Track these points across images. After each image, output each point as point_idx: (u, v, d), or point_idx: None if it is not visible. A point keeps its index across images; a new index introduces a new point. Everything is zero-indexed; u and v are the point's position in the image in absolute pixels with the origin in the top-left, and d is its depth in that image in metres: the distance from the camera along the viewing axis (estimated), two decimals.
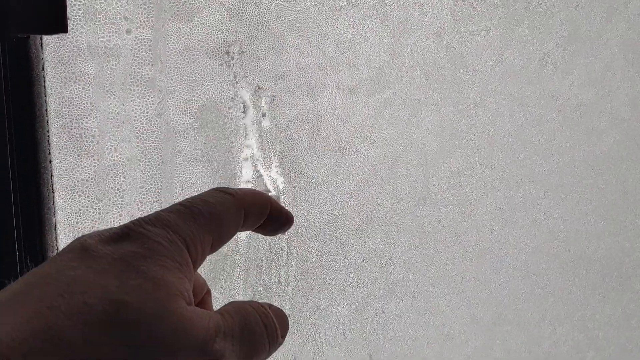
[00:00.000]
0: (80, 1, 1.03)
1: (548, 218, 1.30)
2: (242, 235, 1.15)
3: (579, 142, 1.29)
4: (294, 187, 1.16)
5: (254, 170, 1.14)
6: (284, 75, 1.13)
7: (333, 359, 1.22)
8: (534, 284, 1.31)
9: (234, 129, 1.12)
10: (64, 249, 0.43)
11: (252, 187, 1.13)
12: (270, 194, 1.15)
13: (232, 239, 1.12)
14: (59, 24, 1.01)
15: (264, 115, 1.13)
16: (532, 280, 1.31)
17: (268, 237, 1.15)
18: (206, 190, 0.50)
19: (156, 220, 0.45)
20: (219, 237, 0.49)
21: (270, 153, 1.14)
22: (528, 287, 1.31)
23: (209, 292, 0.57)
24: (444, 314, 1.27)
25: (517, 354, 1.32)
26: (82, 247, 0.42)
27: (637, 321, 1.40)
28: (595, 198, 1.32)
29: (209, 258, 1.10)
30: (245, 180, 1.14)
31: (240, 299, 1.16)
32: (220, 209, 0.48)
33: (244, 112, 1.12)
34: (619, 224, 1.35)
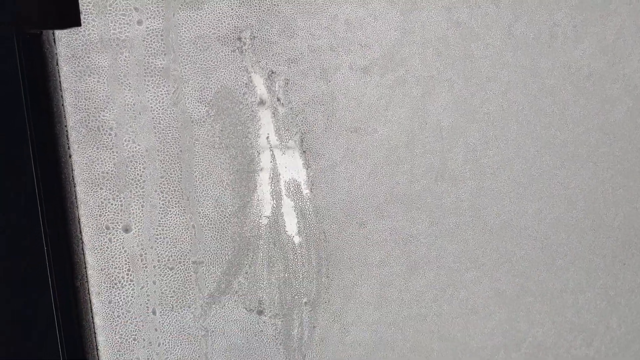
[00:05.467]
0: None
1: (566, 188, 1.30)
2: (264, 221, 1.16)
3: (593, 111, 1.29)
4: (312, 170, 1.17)
5: (271, 155, 1.14)
6: (296, 59, 1.13)
7: (359, 338, 1.23)
8: (555, 254, 1.31)
9: (250, 114, 1.13)
10: None
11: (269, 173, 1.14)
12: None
13: (254, 224, 1.13)
14: (72, 18, 1.01)
15: (278, 99, 1.13)
16: (553, 251, 1.31)
17: (290, 222, 1.16)
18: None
19: None
20: None
21: (286, 137, 1.15)
22: (549, 258, 1.31)
23: None
24: (467, 289, 1.27)
25: (541, 324, 1.33)
26: None
27: None
28: (611, 166, 1.32)
29: (230, 244, 1.11)
30: (263, 165, 1.14)
31: (265, 283, 1.17)
32: None
33: (259, 97, 1.13)
34: (637, 190, 1.35)
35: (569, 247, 1.32)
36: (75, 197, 1.08)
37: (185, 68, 1.09)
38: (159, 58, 1.07)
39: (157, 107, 1.08)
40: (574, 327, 1.35)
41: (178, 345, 1.15)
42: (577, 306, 1.35)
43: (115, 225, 1.10)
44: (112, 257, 1.10)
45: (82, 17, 1.03)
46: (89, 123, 1.07)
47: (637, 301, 1.39)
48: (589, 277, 1.35)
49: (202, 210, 1.13)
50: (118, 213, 1.10)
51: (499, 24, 1.21)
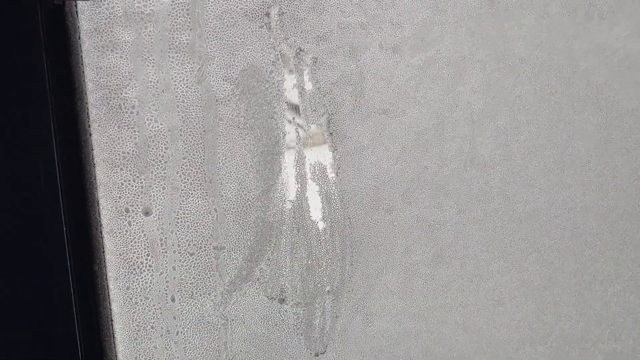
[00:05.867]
0: None
1: (597, 176, 1.26)
2: (288, 205, 1.11)
3: (628, 96, 1.25)
4: (339, 153, 1.12)
5: (297, 137, 1.10)
6: (325, 36, 1.09)
7: (383, 329, 1.19)
8: (584, 244, 1.28)
9: (276, 94, 1.08)
10: None
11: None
12: None
13: (278, 209, 1.09)
14: None
15: (307, 78, 1.09)
16: (582, 241, 1.27)
17: (314, 207, 1.12)
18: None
19: None
20: None
21: (313, 118, 1.11)
22: (578, 248, 1.27)
23: None
24: (493, 279, 1.23)
25: (569, 317, 1.29)
26: None
27: None
28: None
29: (253, 229, 1.07)
30: (288, 146, 1.10)
31: (288, 270, 1.13)
32: None
33: (286, 76, 1.09)
34: None
35: (599, 236, 1.28)
36: (95, 178, 1.04)
37: (211, 44, 1.05)
38: (184, 33, 1.03)
39: (180, 85, 1.04)
40: (602, 320, 1.31)
41: (197, 334, 1.11)
42: (605, 298, 1.31)
43: (135, 208, 1.06)
44: (131, 241, 1.06)
45: None
46: (110, 101, 1.02)
47: None
48: (618, 268, 1.31)
49: (224, 193, 1.08)
50: (138, 195, 1.05)
51: (534, 3, 1.17)
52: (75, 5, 0.99)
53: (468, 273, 1.22)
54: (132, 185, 1.05)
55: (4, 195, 0.99)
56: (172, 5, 1.02)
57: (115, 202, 1.05)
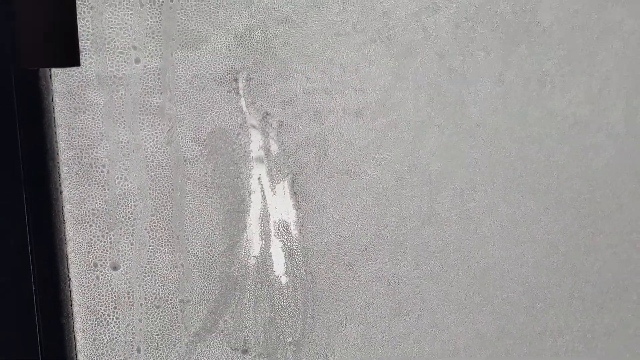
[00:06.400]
0: (88, 31, 1.03)
1: (548, 233, 1.33)
2: (252, 261, 1.16)
3: (577, 158, 1.32)
4: (302, 211, 1.17)
5: (262, 196, 1.15)
6: (291, 101, 1.14)
7: None
8: (535, 297, 1.34)
9: (243, 155, 1.13)
10: None
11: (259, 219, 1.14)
12: None
13: (242, 264, 1.13)
14: (70, 57, 1.01)
15: (272, 140, 1.14)
16: (534, 294, 1.34)
17: (278, 262, 1.16)
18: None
19: None
20: None
21: (278, 178, 1.15)
22: (529, 301, 1.33)
23: None
24: (449, 330, 1.29)
25: None
26: None
27: (635, 330, 1.44)
28: (592, 212, 1.36)
29: (218, 283, 1.11)
30: (254, 206, 1.15)
31: (251, 323, 1.17)
32: None
33: (252, 138, 1.13)
34: (616, 236, 1.39)
35: (549, 290, 1.35)
36: (65, 233, 1.07)
37: (181, 107, 1.09)
38: (154, 96, 1.07)
39: (150, 145, 1.08)
40: None
41: None
42: (555, 348, 1.37)
43: (104, 263, 1.09)
44: (99, 295, 1.09)
45: (81, 56, 1.02)
46: (81, 159, 1.06)
47: (614, 345, 1.42)
48: (567, 320, 1.37)
49: (191, 249, 1.12)
50: (107, 250, 1.09)
51: (490, 72, 1.24)
52: (49, 70, 1.03)
53: (425, 325, 1.27)
54: (101, 241, 1.08)
55: None
56: (143, 70, 1.06)
57: (85, 257, 1.08)
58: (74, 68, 1.03)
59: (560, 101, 1.29)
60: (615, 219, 1.38)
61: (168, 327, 1.13)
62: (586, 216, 1.35)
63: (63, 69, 1.03)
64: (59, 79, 1.04)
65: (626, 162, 1.37)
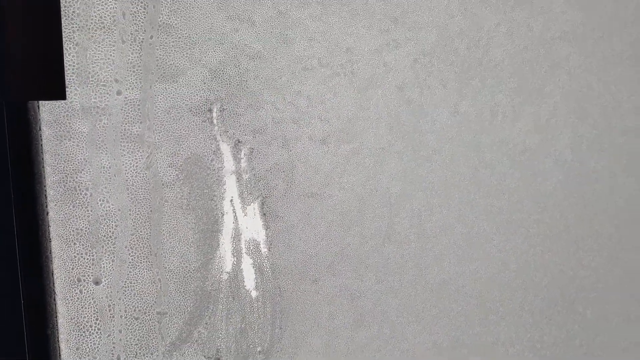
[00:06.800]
0: (74, 65, 1.11)
1: (500, 251, 1.42)
2: (224, 276, 1.25)
3: (527, 183, 1.41)
4: (271, 231, 1.26)
5: (234, 217, 1.24)
6: (261, 129, 1.23)
7: None
8: (488, 310, 1.43)
9: (216, 179, 1.22)
10: None
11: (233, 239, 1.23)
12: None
13: (216, 279, 1.22)
14: (57, 91, 1.09)
15: (243, 166, 1.23)
16: (487, 307, 1.43)
17: (248, 278, 1.25)
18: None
19: None
20: None
21: (249, 200, 1.24)
22: (483, 314, 1.43)
23: None
24: (407, 341, 1.38)
25: None
26: None
27: (581, 341, 1.53)
28: (541, 232, 1.45)
29: (193, 297, 1.20)
30: (226, 225, 1.24)
31: (223, 333, 1.26)
32: None
33: (225, 163, 1.22)
34: (563, 255, 1.49)
35: (501, 303, 1.44)
36: (50, 251, 1.16)
37: (159, 135, 1.18)
38: (135, 125, 1.16)
39: (130, 170, 1.17)
40: None
41: None
42: (507, 358, 1.47)
43: (87, 278, 1.18)
44: (82, 308, 1.18)
45: (66, 89, 1.11)
46: (66, 183, 1.14)
47: (560, 353, 1.52)
48: (518, 331, 1.47)
49: (167, 265, 1.21)
50: (90, 266, 1.17)
51: (446, 103, 1.33)
52: (37, 101, 1.11)
53: (385, 335, 1.36)
54: (84, 258, 1.17)
55: None
56: (124, 101, 1.15)
57: (69, 272, 1.17)
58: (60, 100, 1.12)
59: (511, 130, 1.39)
60: (562, 239, 1.48)
61: (146, 337, 1.22)
62: (535, 236, 1.44)
63: (50, 101, 1.12)
64: (46, 109, 1.12)
65: (572, 186, 1.46)
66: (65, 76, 1.11)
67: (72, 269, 1.17)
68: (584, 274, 1.51)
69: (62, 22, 1.10)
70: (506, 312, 1.45)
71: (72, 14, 1.10)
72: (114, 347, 1.20)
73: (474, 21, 1.31)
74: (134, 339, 1.21)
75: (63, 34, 1.10)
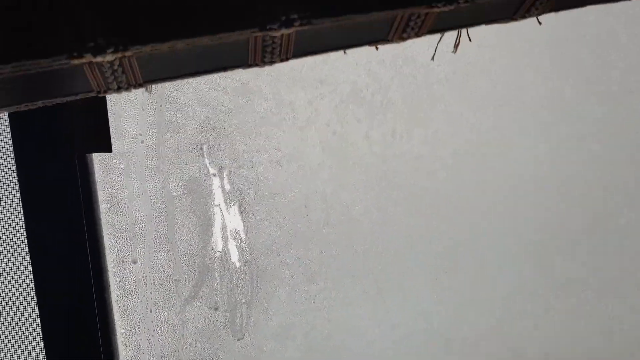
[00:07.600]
0: (113, 126, 1.76)
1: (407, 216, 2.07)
2: (217, 254, 1.90)
3: (418, 179, 2.05)
4: (247, 223, 1.91)
5: (222, 215, 1.89)
6: (236, 159, 1.87)
7: (278, 322, 1.99)
8: (407, 268, 2.08)
9: (208, 192, 1.87)
10: None
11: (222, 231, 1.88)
12: None
13: (211, 256, 1.88)
14: (106, 146, 1.74)
15: (225, 182, 1.88)
16: (405, 266, 2.08)
17: (233, 254, 1.91)
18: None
19: None
20: None
21: (230, 204, 1.89)
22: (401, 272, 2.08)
23: None
24: (344, 290, 2.04)
25: None
26: None
27: None
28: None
29: (197, 268, 1.86)
30: (217, 221, 1.89)
31: (219, 292, 1.92)
32: None
33: (213, 182, 1.87)
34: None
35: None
36: (104, 243, 1.82)
37: (169, 166, 1.82)
38: (153, 161, 1.81)
39: (152, 190, 1.82)
40: None
41: (166, 332, 1.89)
42: None
43: (127, 259, 1.83)
44: (125, 279, 1.84)
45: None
46: (112, 199, 1.80)
47: None
48: None
49: (179, 248, 1.86)
50: (129, 252, 1.83)
51: (359, 131, 1.96)
52: (90, 154, 1.76)
53: (329, 288, 2.02)
54: (126, 247, 1.83)
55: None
56: (146, 146, 1.80)
57: (116, 256, 1.82)
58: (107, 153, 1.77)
59: (407, 145, 2.02)
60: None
61: (168, 297, 1.88)
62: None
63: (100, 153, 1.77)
64: (98, 155, 1.77)
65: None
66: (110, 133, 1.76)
67: (118, 254, 1.82)
68: None
69: (107, 100, 1.75)
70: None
71: (110, 98, 1.75)
72: (147, 303, 1.86)
73: (375, 77, 1.94)
74: (160, 298, 1.87)
75: (108, 107, 1.75)
